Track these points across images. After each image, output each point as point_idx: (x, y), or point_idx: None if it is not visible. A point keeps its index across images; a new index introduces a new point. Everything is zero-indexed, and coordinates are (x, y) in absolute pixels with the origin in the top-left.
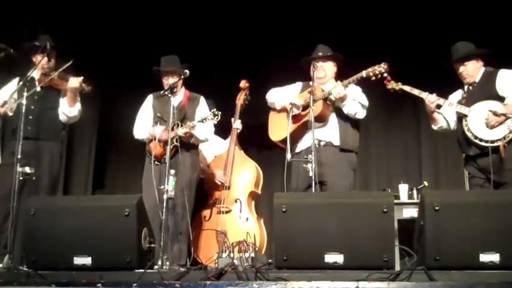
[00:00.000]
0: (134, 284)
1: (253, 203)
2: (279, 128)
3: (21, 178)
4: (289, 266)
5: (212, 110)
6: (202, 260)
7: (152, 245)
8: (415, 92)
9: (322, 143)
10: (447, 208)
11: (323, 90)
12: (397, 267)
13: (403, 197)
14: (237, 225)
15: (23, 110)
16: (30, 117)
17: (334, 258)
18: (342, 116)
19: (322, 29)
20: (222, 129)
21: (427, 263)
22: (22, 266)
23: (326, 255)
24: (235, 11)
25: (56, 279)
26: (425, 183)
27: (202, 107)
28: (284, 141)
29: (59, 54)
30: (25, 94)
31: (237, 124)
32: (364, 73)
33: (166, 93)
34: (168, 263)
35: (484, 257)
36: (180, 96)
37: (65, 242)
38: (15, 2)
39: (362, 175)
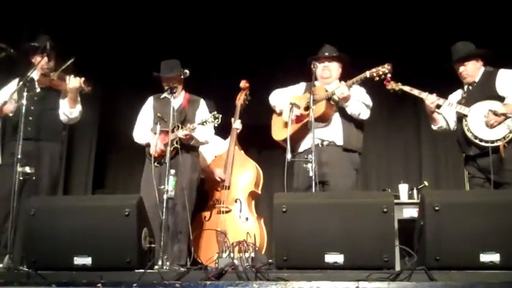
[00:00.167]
0: (134, 284)
1: (253, 203)
2: (282, 128)
3: (21, 178)
4: (289, 266)
5: (213, 113)
6: (203, 260)
7: (152, 245)
8: (415, 92)
9: (325, 143)
10: (447, 208)
11: (327, 90)
12: (397, 267)
13: (403, 197)
14: (237, 225)
15: (23, 111)
16: (30, 118)
17: (334, 258)
18: (345, 116)
19: (322, 29)
20: (222, 129)
21: (427, 263)
22: (22, 266)
23: (326, 255)
24: (235, 11)
25: (56, 280)
26: (426, 183)
27: (202, 110)
28: (286, 140)
29: (58, 54)
30: (25, 95)
31: (237, 124)
32: (368, 73)
33: (166, 95)
34: (168, 263)
35: (485, 257)
36: (180, 98)
37: (65, 242)
38: (15, 2)
39: (362, 175)
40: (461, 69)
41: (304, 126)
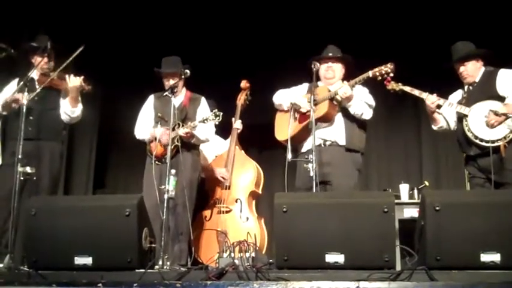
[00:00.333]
0: (135, 284)
1: (253, 202)
2: (285, 128)
3: (22, 178)
4: (290, 266)
5: (214, 111)
6: (203, 259)
7: (153, 245)
8: (415, 92)
9: (327, 143)
10: (448, 208)
11: (329, 91)
12: (398, 267)
13: (404, 197)
14: (238, 225)
15: (24, 111)
16: (31, 117)
17: (334, 258)
18: (348, 116)
19: (323, 29)
20: (223, 129)
21: (428, 263)
22: (23, 266)
23: (327, 255)
24: (236, 11)
25: (57, 279)
26: (426, 183)
27: (203, 108)
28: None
29: (57, 54)
30: (25, 95)
31: (237, 124)
32: (370, 73)
33: (167, 93)
34: (168, 263)
35: (485, 257)
36: (181, 96)
37: (66, 242)
38: (15, 3)
39: (363, 175)
40: (462, 69)
41: (307, 127)
